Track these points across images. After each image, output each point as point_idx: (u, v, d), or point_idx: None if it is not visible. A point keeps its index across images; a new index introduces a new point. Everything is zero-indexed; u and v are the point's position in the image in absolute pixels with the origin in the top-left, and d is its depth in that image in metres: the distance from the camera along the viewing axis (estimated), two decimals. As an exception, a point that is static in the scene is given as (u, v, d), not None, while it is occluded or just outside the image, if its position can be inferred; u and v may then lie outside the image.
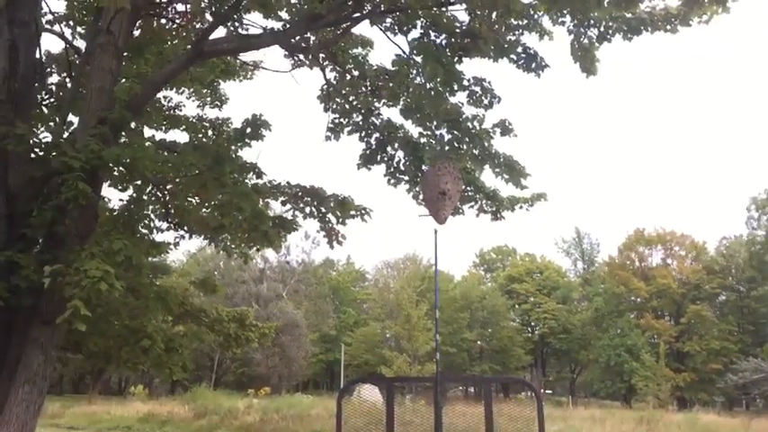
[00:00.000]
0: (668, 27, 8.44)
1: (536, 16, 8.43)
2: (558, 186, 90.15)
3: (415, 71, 8.35)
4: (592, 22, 8.33)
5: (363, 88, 9.16)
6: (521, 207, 8.99)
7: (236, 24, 8.07)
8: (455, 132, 8.36)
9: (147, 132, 9.82)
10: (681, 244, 65.77)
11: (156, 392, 52.33)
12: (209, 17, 7.90)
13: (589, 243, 79.73)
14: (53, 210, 6.15)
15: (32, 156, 6.65)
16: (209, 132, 10.68)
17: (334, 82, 9.31)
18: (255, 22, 8.35)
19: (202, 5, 7.49)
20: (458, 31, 8.32)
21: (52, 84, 8.66)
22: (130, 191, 7.62)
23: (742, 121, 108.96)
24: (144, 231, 7.71)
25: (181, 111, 11.01)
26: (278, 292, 65.68)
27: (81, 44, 8.69)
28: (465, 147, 8.36)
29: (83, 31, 8.69)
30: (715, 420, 28.68)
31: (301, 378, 66.35)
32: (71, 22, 8.65)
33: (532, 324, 73.02)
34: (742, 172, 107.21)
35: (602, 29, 8.41)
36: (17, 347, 6.47)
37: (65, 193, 5.85)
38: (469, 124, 8.30)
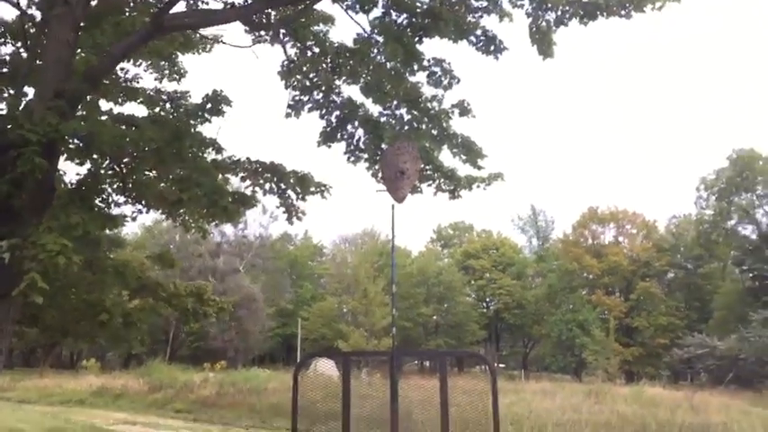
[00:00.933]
0: (623, 12, 8.65)
1: (496, -2, 8.55)
2: (515, 164, 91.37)
3: (375, 50, 8.40)
4: (549, 5, 8.49)
5: (324, 65, 9.17)
6: (478, 186, 9.14)
7: (197, -2, 7.99)
8: (414, 112, 8.47)
9: (104, 105, 9.68)
10: (632, 222, 67.29)
11: (109, 366, 51.74)
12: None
13: (544, 220, 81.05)
14: (8, 183, 6.09)
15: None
16: (167, 106, 10.54)
17: (295, 58, 9.30)
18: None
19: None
20: (419, 10, 8.40)
21: (6, 54, 8.47)
22: (87, 165, 7.55)
23: (694, 101, 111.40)
24: (101, 205, 7.65)
25: (138, 83, 10.82)
26: (235, 267, 65.33)
27: (36, 13, 8.50)
28: (424, 127, 8.47)
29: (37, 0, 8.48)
30: (660, 393, 29.57)
31: (258, 352, 66.31)
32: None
33: (487, 299, 74.13)
34: (693, 152, 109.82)
35: (559, 13, 8.58)
36: (-28, 321, 6.43)
37: (21, 167, 5.80)
38: (429, 104, 8.41)
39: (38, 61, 7.72)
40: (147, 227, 66.45)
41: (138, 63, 10.65)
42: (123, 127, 8.11)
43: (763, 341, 40.16)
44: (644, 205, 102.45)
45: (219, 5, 8.02)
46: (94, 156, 7.05)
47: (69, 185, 7.37)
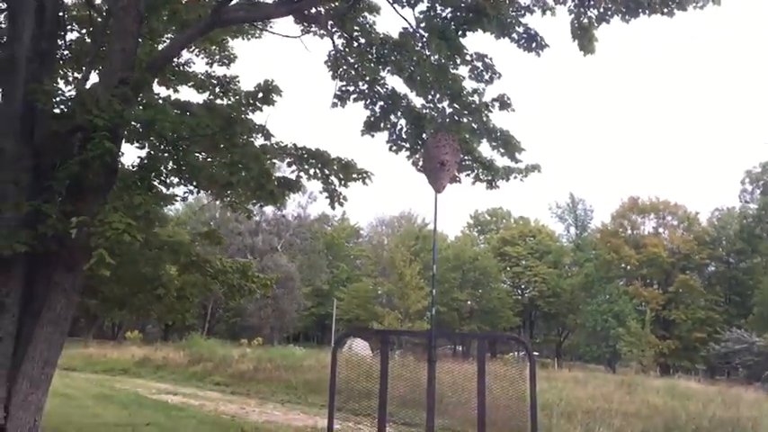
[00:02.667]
0: (665, 10, 8.78)
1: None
2: (555, 152, 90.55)
3: (420, 44, 8.69)
4: (592, 2, 8.67)
5: (369, 56, 9.48)
6: (515, 177, 9.39)
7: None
8: (456, 105, 8.74)
9: (156, 89, 10.15)
10: (673, 214, 66.43)
11: (149, 338, 53.18)
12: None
13: (583, 209, 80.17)
14: (78, 165, 6.57)
15: (57, 112, 7.06)
16: (217, 90, 10.99)
17: (342, 49, 9.63)
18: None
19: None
20: (463, 5, 8.65)
21: (71, 40, 8.97)
22: (145, 148, 8.02)
23: (741, 94, 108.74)
24: (158, 186, 8.14)
25: (190, 67, 11.28)
26: (273, 245, 66.29)
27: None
28: (465, 120, 8.75)
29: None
30: (694, 387, 29.50)
31: (293, 330, 67.37)
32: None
33: (523, 287, 73.96)
34: (738, 145, 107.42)
35: (601, 9, 8.76)
36: (40, 291, 6.97)
37: (92, 151, 6.27)
38: (470, 98, 8.68)
39: (102, 48, 8.20)
40: (189, 204, 67.73)
41: (190, 48, 11.09)
42: (179, 112, 8.61)
43: (802, 338, 39.61)
44: (686, 197, 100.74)
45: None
46: (153, 140, 7.51)
47: (130, 167, 7.85)
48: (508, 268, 72.55)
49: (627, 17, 8.84)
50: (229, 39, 11.43)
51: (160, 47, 10.21)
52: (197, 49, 11.30)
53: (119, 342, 48.49)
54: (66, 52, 8.83)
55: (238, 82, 10.84)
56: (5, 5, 7.22)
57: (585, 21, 8.84)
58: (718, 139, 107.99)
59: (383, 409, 5.91)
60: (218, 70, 11.33)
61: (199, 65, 11.54)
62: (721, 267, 65.57)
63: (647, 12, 8.77)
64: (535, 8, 8.81)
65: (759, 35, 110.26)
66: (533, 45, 8.46)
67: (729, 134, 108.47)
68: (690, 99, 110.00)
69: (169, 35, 10.45)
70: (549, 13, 8.85)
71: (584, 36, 8.86)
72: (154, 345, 41.41)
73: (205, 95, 10.86)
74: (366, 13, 9.61)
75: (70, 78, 9.05)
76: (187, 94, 11.73)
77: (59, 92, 7.16)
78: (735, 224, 63.73)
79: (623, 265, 64.35)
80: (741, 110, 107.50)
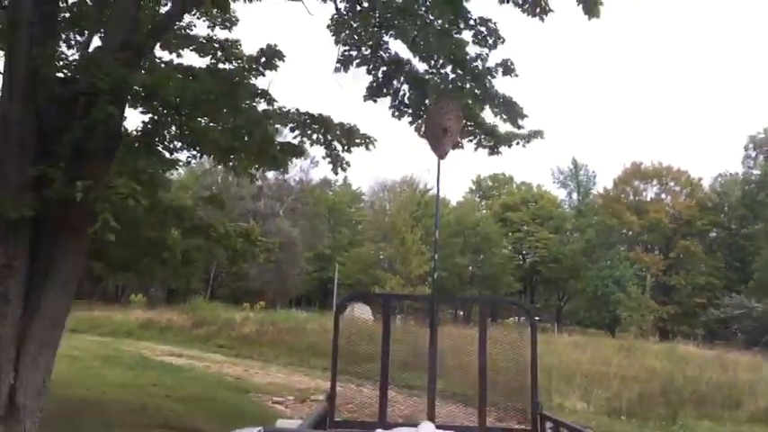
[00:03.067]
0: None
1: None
2: (558, 116, 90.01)
3: (423, 8, 8.64)
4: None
5: (373, 20, 9.41)
6: (517, 143, 9.40)
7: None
8: (459, 71, 8.71)
9: (158, 52, 10.10)
10: (676, 179, 66.30)
11: (153, 302, 53.60)
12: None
13: (586, 174, 79.85)
14: (82, 129, 6.59)
15: (61, 76, 7.06)
16: (219, 53, 10.91)
17: (345, 13, 9.57)
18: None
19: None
20: (467, -33, 8.59)
21: (73, 3, 8.90)
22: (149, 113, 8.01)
23: (745, 60, 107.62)
24: (161, 151, 8.16)
25: (191, 31, 11.19)
26: (275, 210, 66.40)
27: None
28: (468, 86, 8.74)
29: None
30: (693, 351, 29.87)
31: (295, 294, 67.83)
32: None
33: (524, 252, 74.21)
34: (742, 110, 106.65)
35: (607, -28, 8.67)
36: (47, 254, 7.05)
37: (95, 115, 6.29)
38: (473, 64, 8.65)
39: (106, 11, 8.16)
40: (192, 169, 67.60)
41: (192, 12, 10.99)
42: (182, 77, 8.58)
43: (801, 304, 39.88)
44: (689, 162, 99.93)
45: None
46: (157, 105, 7.51)
47: (134, 132, 7.86)
48: (510, 234, 72.66)
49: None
50: (231, 1, 11.34)
51: (162, 9, 10.14)
52: (198, 13, 11.22)
53: (123, 305, 48.93)
54: (67, 15, 8.75)
55: (240, 46, 10.76)
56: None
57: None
58: (722, 104, 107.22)
59: (385, 372, 5.97)
60: (220, 34, 11.26)
61: (200, 28, 11.45)
62: (723, 233, 65.67)
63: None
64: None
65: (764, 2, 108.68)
66: (537, 9, 8.40)
67: (733, 100, 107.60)
68: (693, 64, 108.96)
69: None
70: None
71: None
72: (158, 308, 41.80)
73: (207, 59, 10.80)
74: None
75: (72, 42, 8.99)
76: (189, 57, 11.67)
77: (62, 56, 7.16)
78: (737, 190, 63.70)
79: (625, 231, 64.51)
80: (745, 75, 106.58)
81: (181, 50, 10.48)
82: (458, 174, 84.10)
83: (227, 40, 10.97)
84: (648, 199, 65.99)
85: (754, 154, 60.42)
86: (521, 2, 8.33)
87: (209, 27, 11.31)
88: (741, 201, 61.82)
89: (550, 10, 8.50)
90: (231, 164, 9.89)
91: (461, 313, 61.34)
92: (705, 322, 53.49)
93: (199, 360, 22.48)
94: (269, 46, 8.14)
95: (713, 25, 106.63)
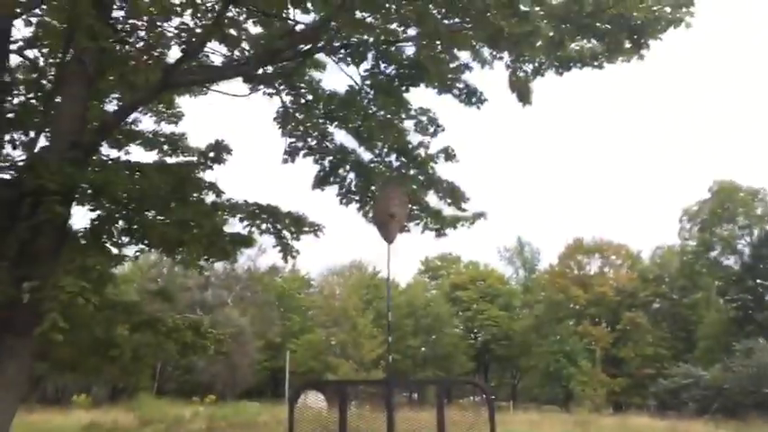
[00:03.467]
0: (596, 63, 9.32)
1: (477, 47, 9.17)
2: (501, 195, 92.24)
3: (366, 100, 9.01)
4: (526, 58, 9.15)
5: (317, 111, 9.74)
6: (462, 225, 9.70)
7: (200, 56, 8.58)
8: (403, 159, 9.06)
9: (105, 149, 10.15)
10: (617, 253, 68.10)
11: (96, 401, 51.28)
12: (176, 51, 8.39)
13: (530, 251, 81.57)
14: (28, 229, 6.58)
15: (7, 177, 7.07)
16: (165, 147, 11.01)
17: (290, 105, 9.87)
18: (216, 50, 8.88)
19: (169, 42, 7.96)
20: (406, 62, 9.04)
21: (18, 103, 8.96)
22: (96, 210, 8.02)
23: (678, 134, 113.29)
24: (110, 247, 8.14)
25: (137, 126, 11.30)
26: (223, 300, 65.26)
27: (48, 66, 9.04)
28: (412, 172, 9.06)
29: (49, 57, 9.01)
30: (645, 423, 30.06)
31: (245, 385, 65.93)
32: (40, 48, 8.93)
33: (475, 331, 74.24)
34: (675, 183, 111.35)
35: (536, 64, 9.25)
36: (-8, 357, 6.86)
37: (42, 215, 6.30)
38: (416, 151, 9.01)
39: (51, 112, 8.25)
40: (134, 261, 66.17)
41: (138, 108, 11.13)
42: (129, 173, 8.65)
43: (746, 371, 40.65)
44: (628, 236, 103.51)
45: (220, 58, 8.63)
46: (105, 202, 7.55)
47: (83, 229, 7.84)
48: (460, 312, 72.80)
49: (560, 70, 9.34)
50: (176, 96, 11.54)
51: (107, 107, 10.25)
52: (144, 108, 11.37)
53: (64, 406, 46.66)
54: (11, 115, 8.78)
55: (186, 139, 10.90)
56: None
57: (522, 75, 9.30)
58: (656, 178, 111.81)
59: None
60: (166, 128, 11.39)
61: (146, 123, 11.60)
62: (666, 304, 67.18)
63: (578, 65, 9.29)
64: (474, 62, 9.22)
65: (694, 71, 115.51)
66: (473, 100, 8.87)
67: (666, 173, 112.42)
68: (627, 139, 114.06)
69: (116, 95, 10.49)
70: (487, 66, 9.29)
71: (521, 89, 9.31)
72: (102, 407, 40.00)
73: (153, 153, 10.89)
74: (312, 69, 9.88)
75: (16, 143, 8.99)
76: (137, 152, 11.74)
77: (8, 157, 7.18)
78: (676, 261, 65.65)
79: (572, 305, 65.35)
80: (679, 149, 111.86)
81: (127, 146, 10.58)
82: (406, 255, 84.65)
83: (173, 133, 11.11)
84: (592, 273, 67.41)
85: (688, 226, 62.63)
86: (458, 92, 8.79)
87: (155, 122, 11.46)
88: (680, 272, 63.68)
89: (485, 99, 8.98)
90: (180, 256, 9.87)
91: (416, 396, 60.47)
92: (656, 393, 53.82)
93: (146, 462, 21.52)
94: (216, 141, 8.35)
95: (648, 101, 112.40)
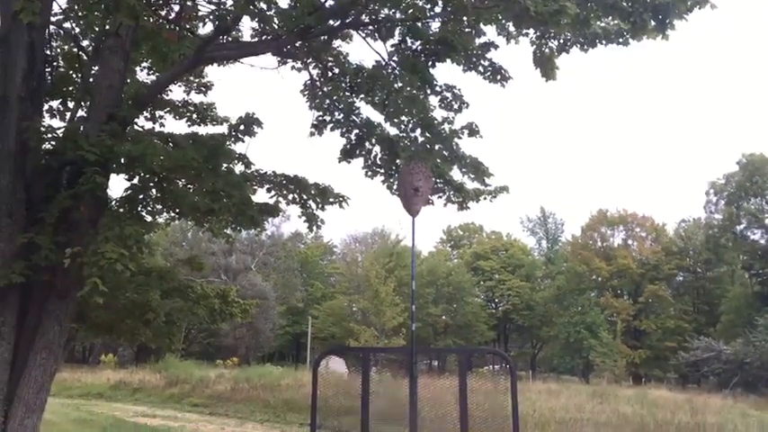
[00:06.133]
0: (621, 40, 9.34)
1: (504, 22, 9.24)
2: (525, 165, 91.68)
3: (392, 76, 9.17)
4: (552, 34, 9.21)
5: (343, 85, 9.91)
6: (485, 198, 9.87)
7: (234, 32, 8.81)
8: (427, 134, 9.22)
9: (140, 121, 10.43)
10: (641, 225, 67.79)
11: (122, 361, 52.73)
12: (210, 25, 8.60)
13: (554, 222, 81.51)
14: (70, 198, 6.91)
15: (49, 147, 7.40)
16: (194, 116, 11.26)
17: (317, 79, 10.06)
18: (245, 23, 9.08)
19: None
20: (432, 38, 9.16)
21: (58, 75, 9.26)
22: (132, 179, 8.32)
23: (706, 104, 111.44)
24: (144, 215, 8.46)
25: (167, 95, 11.57)
26: (247, 265, 66.25)
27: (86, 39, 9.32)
28: (436, 147, 9.23)
29: (87, 30, 9.26)
30: (664, 395, 30.24)
31: (268, 349, 67.14)
32: (78, 21, 9.17)
33: (496, 300, 74.73)
34: (703, 156, 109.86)
35: (561, 41, 9.31)
36: (34, 318, 7.27)
37: (83, 185, 6.62)
38: (440, 127, 9.17)
39: (90, 84, 8.54)
40: (161, 226, 67.10)
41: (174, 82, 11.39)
42: (163, 144, 8.95)
43: (768, 346, 40.63)
44: (653, 208, 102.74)
45: (249, 32, 8.84)
46: (140, 172, 7.85)
47: (117, 199, 8.16)
48: (482, 282, 73.23)
49: (585, 47, 9.37)
50: (205, 67, 11.76)
51: (141, 77, 10.51)
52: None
53: (92, 366, 48.06)
54: (53, 89, 9.09)
55: (215, 109, 11.16)
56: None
57: (547, 51, 9.38)
58: (684, 150, 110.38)
59: (365, 425, 6.14)
60: (195, 98, 11.64)
61: (176, 92, 11.84)
62: (689, 277, 67.07)
63: (603, 42, 9.33)
64: (500, 36, 9.30)
65: (723, 48, 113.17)
66: (498, 77, 8.99)
67: (695, 146, 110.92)
68: (656, 110, 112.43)
69: (146, 64, 10.73)
70: (512, 41, 9.37)
71: (545, 64, 9.38)
72: (128, 368, 41.18)
73: (183, 122, 11.15)
74: (339, 41, 10.02)
75: (55, 112, 9.31)
76: (169, 123, 12.02)
77: (50, 128, 7.50)
78: (701, 235, 65.24)
79: (594, 277, 65.43)
80: (706, 122, 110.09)
81: (162, 119, 10.87)
82: (429, 224, 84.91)
83: (202, 103, 11.38)
84: (615, 245, 67.22)
85: (714, 199, 62.15)
86: (482, 70, 8.91)
87: (184, 92, 11.71)
88: (705, 245, 63.31)
89: (510, 77, 9.09)
90: (209, 225, 10.20)
91: (436, 363, 61.24)
92: (676, 366, 54.01)
93: (173, 420, 22.25)
94: (247, 114, 8.57)
95: (674, 74, 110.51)
